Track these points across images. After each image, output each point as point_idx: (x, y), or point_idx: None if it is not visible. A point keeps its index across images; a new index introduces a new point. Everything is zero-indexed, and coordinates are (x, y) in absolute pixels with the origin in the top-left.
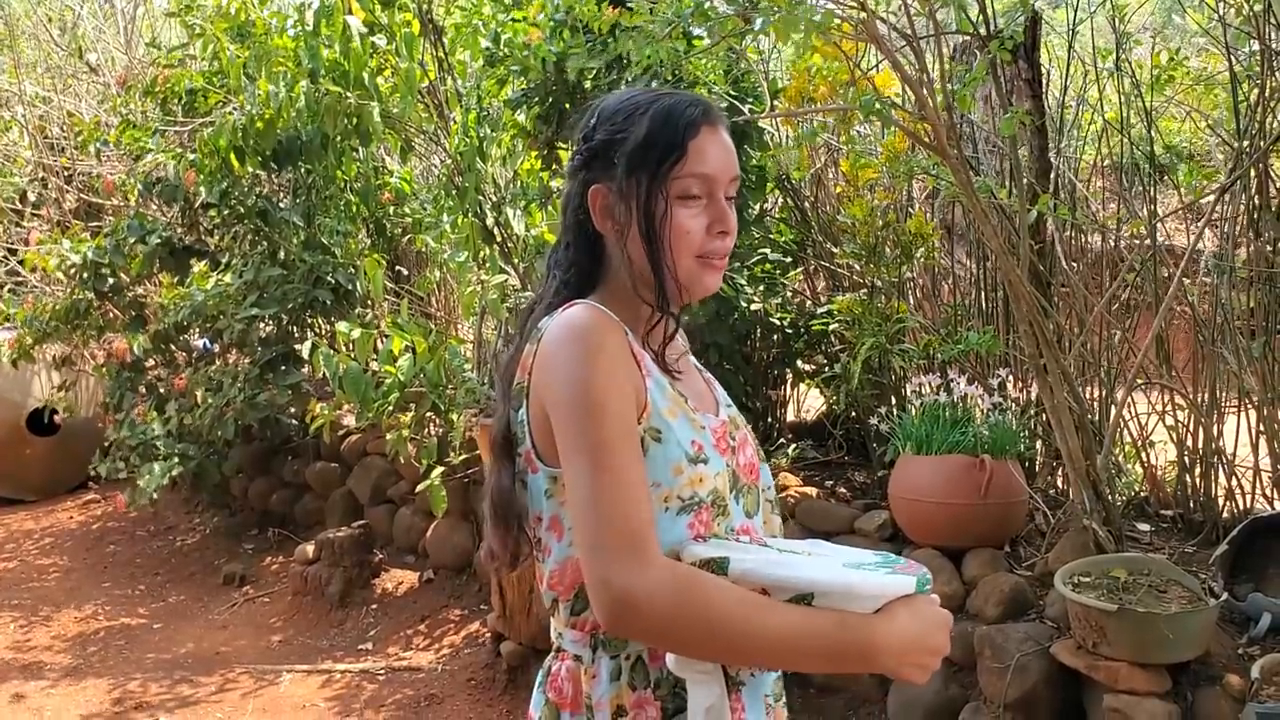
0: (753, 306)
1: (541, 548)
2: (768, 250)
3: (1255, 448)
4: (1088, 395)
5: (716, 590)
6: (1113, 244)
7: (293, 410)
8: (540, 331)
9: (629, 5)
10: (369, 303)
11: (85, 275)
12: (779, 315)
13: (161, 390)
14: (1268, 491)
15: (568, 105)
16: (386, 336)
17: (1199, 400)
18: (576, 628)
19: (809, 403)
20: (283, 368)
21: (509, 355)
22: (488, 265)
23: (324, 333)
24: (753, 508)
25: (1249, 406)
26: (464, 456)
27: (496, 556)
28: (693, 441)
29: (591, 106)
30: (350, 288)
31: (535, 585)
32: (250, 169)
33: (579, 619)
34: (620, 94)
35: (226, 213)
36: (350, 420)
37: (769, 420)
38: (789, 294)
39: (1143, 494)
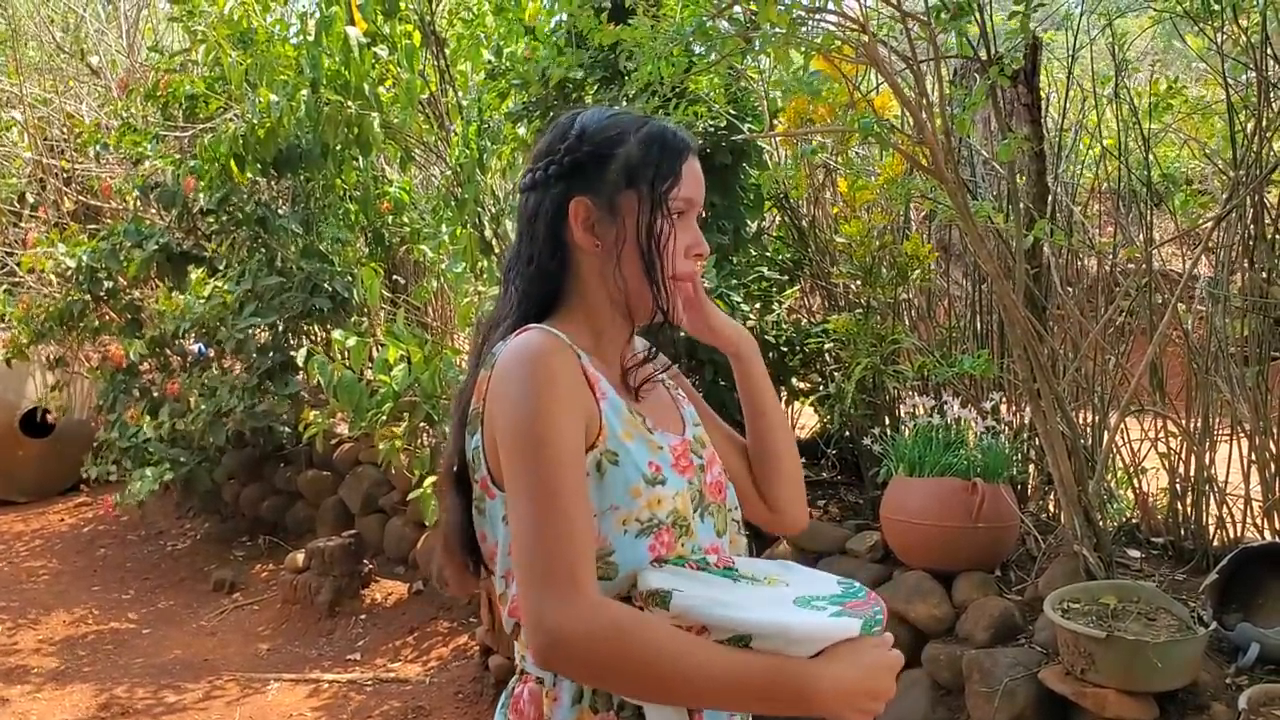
0: (748, 324)
1: (503, 573)
2: (764, 268)
3: (1246, 476)
4: (1081, 420)
5: (647, 631)
6: (1109, 269)
7: (285, 417)
8: (494, 357)
9: (629, 21)
10: (365, 311)
11: (80, 278)
12: (774, 333)
13: (155, 394)
14: (1258, 521)
15: None
16: (382, 345)
17: (1191, 428)
18: None
19: (803, 421)
20: (280, 375)
21: (465, 380)
22: (485, 276)
23: (319, 340)
24: (722, 527)
25: (1241, 435)
26: None
27: (449, 585)
28: (649, 463)
29: (563, 121)
30: (347, 296)
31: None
32: (250, 176)
33: None
34: (598, 112)
35: (225, 219)
36: (343, 428)
37: None
38: (785, 312)
39: (1134, 521)
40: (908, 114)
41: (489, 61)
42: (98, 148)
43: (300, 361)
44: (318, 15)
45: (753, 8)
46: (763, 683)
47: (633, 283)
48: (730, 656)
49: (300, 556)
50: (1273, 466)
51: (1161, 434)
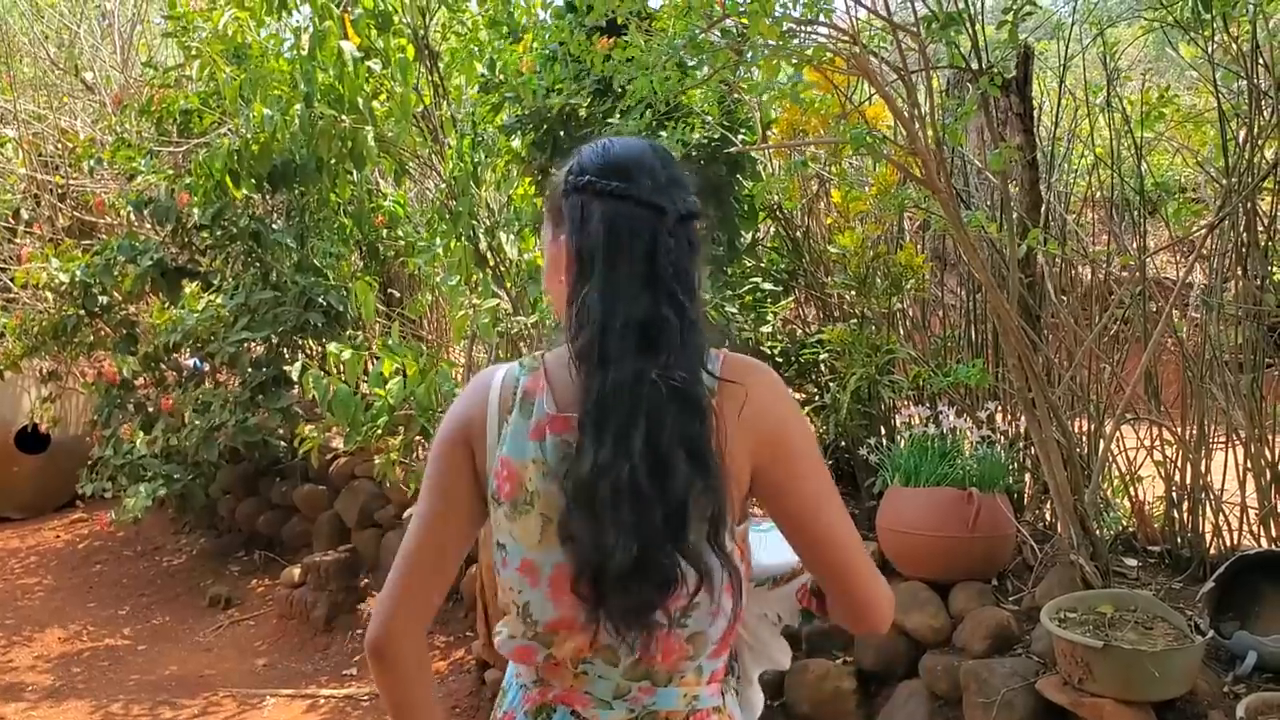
0: (743, 335)
1: (703, 610)
2: (759, 279)
3: (1242, 484)
4: (1076, 429)
5: None
6: (1103, 277)
7: (281, 432)
8: (706, 374)
9: (623, 35)
10: (360, 325)
11: (74, 294)
12: (769, 344)
13: (150, 409)
14: (1254, 528)
15: (562, 133)
16: (377, 359)
17: (1187, 435)
18: (713, 680)
19: None
20: (274, 390)
21: (687, 419)
22: (480, 289)
23: (314, 354)
24: None
25: (1237, 442)
26: None
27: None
28: None
29: (662, 150)
30: (342, 310)
31: (656, 656)
32: (244, 191)
33: (717, 670)
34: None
35: (219, 234)
36: (339, 442)
37: None
38: (780, 323)
39: (1130, 529)
40: (900, 125)
41: (482, 75)
42: (92, 163)
43: (295, 376)
44: (311, 30)
45: (744, 20)
46: None
47: None
48: None
49: (296, 571)
50: (1268, 474)
51: (1157, 442)
